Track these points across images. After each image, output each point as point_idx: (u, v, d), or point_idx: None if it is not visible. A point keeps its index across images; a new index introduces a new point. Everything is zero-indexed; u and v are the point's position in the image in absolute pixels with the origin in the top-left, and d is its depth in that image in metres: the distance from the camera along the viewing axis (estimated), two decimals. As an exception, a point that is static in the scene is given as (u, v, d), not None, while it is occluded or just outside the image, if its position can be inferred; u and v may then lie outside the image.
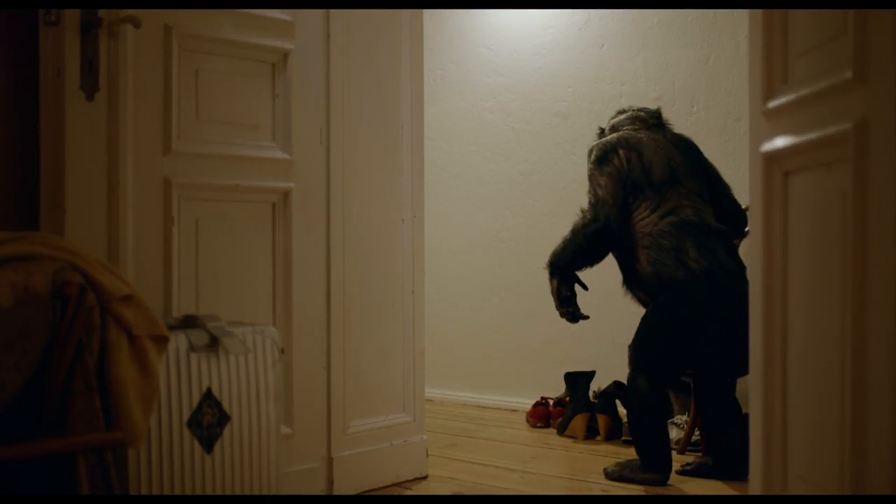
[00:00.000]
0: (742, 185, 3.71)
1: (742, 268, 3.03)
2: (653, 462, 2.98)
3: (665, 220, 3.03)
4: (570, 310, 3.19)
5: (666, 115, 4.11)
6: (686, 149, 3.22)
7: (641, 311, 4.05)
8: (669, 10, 4.00)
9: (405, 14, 3.08)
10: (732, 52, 3.83)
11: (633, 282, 3.16)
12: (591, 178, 3.15)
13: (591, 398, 3.81)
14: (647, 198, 3.07)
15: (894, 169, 1.29)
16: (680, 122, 3.96)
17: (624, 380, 3.82)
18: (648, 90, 4.06)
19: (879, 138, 1.33)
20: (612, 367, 4.04)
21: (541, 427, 3.96)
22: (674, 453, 3.43)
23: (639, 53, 4.10)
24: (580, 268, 3.21)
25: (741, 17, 3.76)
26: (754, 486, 1.87)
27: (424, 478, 3.03)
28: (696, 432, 3.43)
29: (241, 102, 2.49)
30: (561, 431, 3.82)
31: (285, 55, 2.58)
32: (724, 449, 3.07)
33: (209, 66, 2.41)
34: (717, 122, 3.87)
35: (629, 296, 3.26)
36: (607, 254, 3.18)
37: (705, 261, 2.96)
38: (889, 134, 1.30)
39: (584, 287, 3.28)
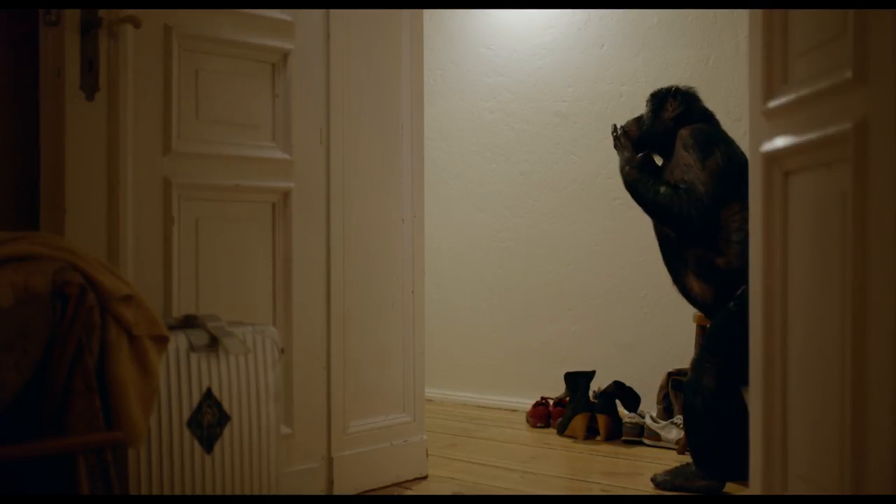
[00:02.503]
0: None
1: None
2: (712, 470, 2.87)
3: None
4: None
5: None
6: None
7: (643, 312, 4.06)
8: (669, 10, 4.00)
9: (405, 14, 3.08)
10: (732, 52, 3.83)
11: (704, 275, 3.04)
12: (687, 167, 3.02)
13: (591, 398, 3.81)
14: (741, 195, 2.96)
15: (894, 169, 1.29)
16: (680, 122, 3.97)
17: (623, 379, 3.83)
18: (648, 90, 4.04)
19: (879, 138, 1.33)
20: (612, 367, 4.04)
21: (541, 427, 3.96)
22: (672, 453, 3.43)
23: (639, 53, 4.10)
24: (639, 203, 3.13)
25: (741, 17, 3.76)
26: (754, 486, 1.87)
27: (424, 478, 3.03)
28: (696, 432, 3.42)
29: (241, 102, 2.49)
30: (561, 431, 3.82)
31: (285, 55, 2.58)
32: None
33: (209, 66, 2.41)
34: (717, 122, 3.87)
35: (676, 288, 3.16)
36: (674, 232, 3.08)
37: None
38: (889, 134, 1.30)
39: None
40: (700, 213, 2.96)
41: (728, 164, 2.99)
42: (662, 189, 3.04)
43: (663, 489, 2.94)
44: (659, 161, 3.23)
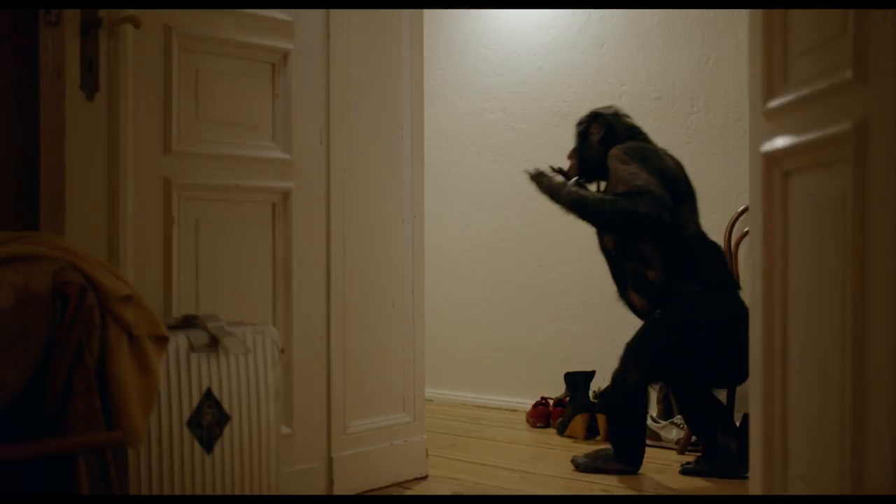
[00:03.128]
0: (742, 185, 3.71)
1: (738, 283, 3.16)
2: (629, 456, 3.11)
3: (684, 232, 3.10)
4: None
5: (666, 115, 4.12)
6: (683, 167, 3.26)
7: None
8: (669, 10, 4.00)
9: (405, 14, 3.08)
10: (732, 52, 3.83)
11: (639, 287, 3.16)
12: (631, 175, 3.06)
13: (591, 398, 3.81)
14: (689, 207, 3.14)
15: (894, 169, 1.29)
16: (680, 122, 3.97)
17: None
18: (648, 90, 4.06)
19: (879, 138, 1.33)
20: (611, 367, 4.03)
21: (541, 427, 3.96)
22: (672, 453, 3.43)
23: (639, 53, 4.10)
24: (594, 224, 3.18)
25: (741, 17, 3.76)
26: (754, 486, 1.87)
27: (424, 478, 3.03)
28: (696, 432, 3.43)
29: (241, 102, 2.48)
30: (561, 431, 3.82)
31: (285, 55, 2.58)
32: (719, 448, 3.11)
33: (209, 66, 2.41)
34: (717, 122, 3.87)
35: (622, 301, 3.30)
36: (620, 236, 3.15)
37: (717, 275, 3.12)
38: (889, 134, 1.30)
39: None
40: (667, 210, 3.02)
41: (663, 176, 3.09)
42: (619, 198, 3.07)
43: (583, 471, 3.13)
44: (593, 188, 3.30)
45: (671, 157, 3.23)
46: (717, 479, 3.05)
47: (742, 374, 2.98)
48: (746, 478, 2.73)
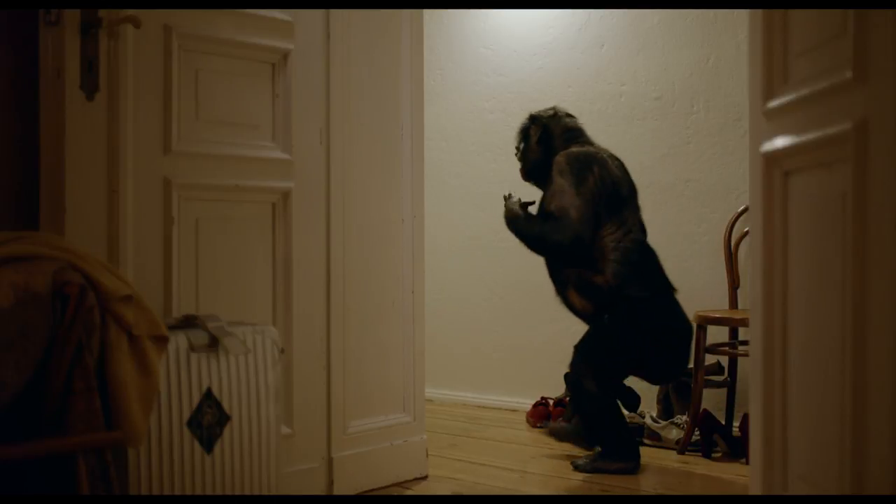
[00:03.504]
0: (742, 185, 3.71)
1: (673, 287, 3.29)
2: (623, 453, 3.14)
3: (628, 236, 3.20)
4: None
5: (666, 115, 4.12)
6: (626, 169, 3.35)
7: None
8: (669, 10, 4.00)
9: (405, 14, 3.08)
10: (732, 52, 3.83)
11: (585, 292, 3.24)
12: (562, 192, 3.20)
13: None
14: (615, 214, 3.20)
15: (894, 169, 1.29)
16: (680, 122, 3.97)
17: (624, 379, 3.82)
18: (648, 90, 4.06)
19: (879, 138, 1.33)
20: (612, 367, 4.04)
21: (541, 427, 3.96)
22: (672, 453, 3.43)
23: (639, 53, 4.10)
24: (522, 241, 3.33)
25: (741, 17, 3.76)
26: (754, 486, 1.87)
27: (424, 478, 3.03)
28: (696, 432, 3.43)
29: (241, 102, 2.48)
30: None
31: (285, 55, 2.58)
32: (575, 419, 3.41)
33: (209, 66, 2.41)
34: (717, 122, 3.87)
35: (559, 299, 3.38)
36: (556, 260, 3.30)
37: (661, 279, 3.24)
38: (889, 134, 1.30)
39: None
40: (571, 240, 3.16)
41: (602, 185, 3.19)
42: (537, 224, 3.27)
43: (583, 471, 3.15)
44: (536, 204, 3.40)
45: (614, 159, 3.31)
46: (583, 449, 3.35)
47: (674, 374, 3.31)
48: (583, 448, 3.32)
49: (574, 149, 3.28)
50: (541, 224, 3.25)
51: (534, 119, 3.45)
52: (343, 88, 2.84)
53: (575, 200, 3.15)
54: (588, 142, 3.37)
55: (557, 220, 3.18)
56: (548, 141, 3.36)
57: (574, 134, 3.37)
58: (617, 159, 3.32)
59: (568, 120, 3.41)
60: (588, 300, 3.24)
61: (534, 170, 3.42)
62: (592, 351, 3.18)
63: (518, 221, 3.32)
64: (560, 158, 3.26)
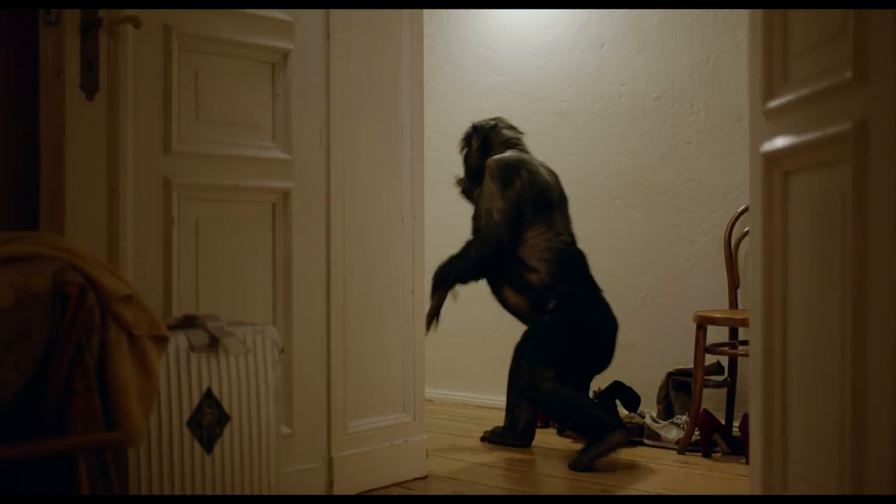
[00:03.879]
0: (742, 185, 3.71)
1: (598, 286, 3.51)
2: (607, 429, 3.18)
3: (559, 238, 3.43)
4: (435, 320, 3.55)
5: (666, 115, 4.12)
6: (558, 178, 3.60)
7: (643, 312, 4.06)
8: (669, 10, 4.00)
9: (405, 14, 3.08)
10: (732, 52, 3.83)
11: (520, 289, 3.40)
12: (490, 194, 3.40)
13: (591, 398, 3.81)
14: (544, 217, 3.41)
15: (894, 169, 1.29)
16: (680, 122, 3.97)
17: (623, 379, 3.83)
18: (648, 90, 4.06)
19: (879, 138, 1.33)
20: (612, 367, 4.03)
21: (541, 427, 3.96)
22: (672, 453, 3.43)
23: (639, 53, 4.10)
24: (467, 283, 3.55)
25: (741, 17, 3.76)
26: (754, 486, 1.87)
27: (424, 478, 3.03)
28: (696, 432, 3.43)
29: (241, 102, 2.48)
30: (561, 431, 3.81)
31: (285, 55, 2.58)
32: (513, 417, 3.59)
33: (209, 66, 2.41)
34: (717, 122, 3.87)
35: (498, 300, 3.53)
36: (493, 270, 3.47)
37: (590, 279, 3.46)
38: (889, 134, 1.30)
39: (454, 298, 3.66)
40: (500, 237, 3.37)
41: (529, 188, 3.40)
42: (461, 255, 3.48)
43: (584, 469, 3.15)
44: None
45: (546, 168, 3.55)
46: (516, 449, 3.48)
47: (606, 366, 3.46)
48: (524, 446, 3.52)
49: (506, 154, 3.50)
50: (464, 251, 3.47)
51: (476, 129, 3.68)
52: (343, 88, 2.84)
53: (499, 203, 3.38)
54: (524, 151, 3.58)
55: (478, 233, 3.44)
56: (486, 150, 3.59)
57: (511, 144, 3.60)
58: (547, 167, 3.56)
59: (507, 131, 3.64)
60: (523, 296, 3.42)
61: (475, 175, 3.63)
62: (543, 353, 3.31)
63: (446, 270, 3.51)
64: (491, 162, 3.47)
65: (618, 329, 3.44)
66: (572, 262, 3.42)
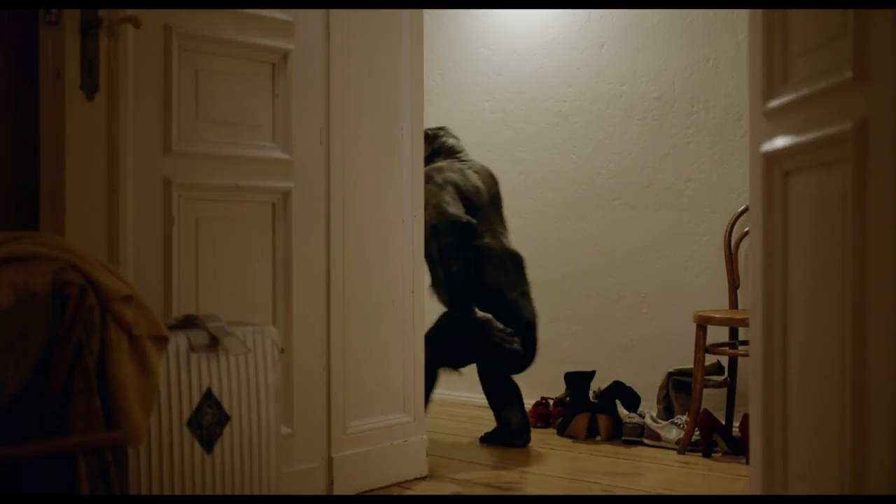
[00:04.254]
0: (742, 185, 3.71)
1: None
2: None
3: (497, 240, 3.59)
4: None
5: (666, 115, 4.12)
6: (494, 178, 3.74)
7: (643, 312, 4.07)
8: (669, 10, 4.00)
9: (405, 14, 3.08)
10: (732, 52, 3.83)
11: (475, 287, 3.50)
12: (431, 193, 3.41)
13: (591, 398, 3.81)
14: (481, 218, 3.55)
15: (894, 169, 1.29)
16: (680, 122, 3.97)
17: (623, 379, 3.83)
18: (648, 90, 4.07)
19: (879, 138, 1.33)
20: (612, 368, 4.04)
21: (541, 427, 3.96)
22: (672, 453, 3.43)
23: (639, 53, 4.10)
24: (466, 284, 3.51)
25: (741, 17, 3.76)
26: (754, 486, 1.88)
27: (424, 478, 3.03)
28: (696, 432, 3.43)
29: (241, 102, 2.48)
30: (561, 431, 3.81)
31: (285, 55, 2.58)
32: (502, 420, 3.61)
33: (209, 66, 2.41)
34: (717, 122, 3.87)
35: (434, 294, 3.57)
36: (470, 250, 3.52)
37: (525, 282, 3.63)
38: (889, 134, 1.30)
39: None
40: (460, 230, 3.43)
41: (459, 191, 3.52)
42: (437, 267, 3.48)
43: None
44: None
45: (485, 172, 3.71)
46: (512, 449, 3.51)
47: (522, 366, 3.58)
48: (521, 446, 3.56)
49: (437, 163, 3.63)
50: (435, 273, 3.49)
51: (426, 137, 3.71)
52: (343, 88, 2.84)
53: (445, 197, 3.47)
54: (464, 160, 3.71)
55: (434, 227, 3.40)
56: (432, 157, 3.69)
57: (453, 151, 3.72)
58: (489, 173, 3.73)
59: (449, 141, 3.77)
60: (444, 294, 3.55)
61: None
62: (435, 340, 3.42)
63: (452, 298, 3.49)
64: (426, 170, 3.48)
65: (535, 327, 3.55)
66: (487, 261, 3.52)
